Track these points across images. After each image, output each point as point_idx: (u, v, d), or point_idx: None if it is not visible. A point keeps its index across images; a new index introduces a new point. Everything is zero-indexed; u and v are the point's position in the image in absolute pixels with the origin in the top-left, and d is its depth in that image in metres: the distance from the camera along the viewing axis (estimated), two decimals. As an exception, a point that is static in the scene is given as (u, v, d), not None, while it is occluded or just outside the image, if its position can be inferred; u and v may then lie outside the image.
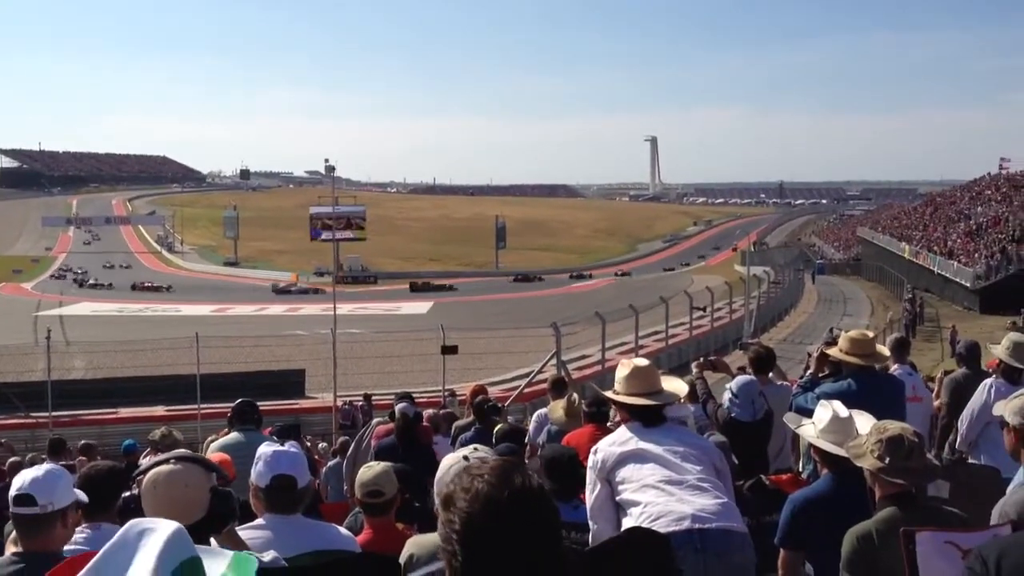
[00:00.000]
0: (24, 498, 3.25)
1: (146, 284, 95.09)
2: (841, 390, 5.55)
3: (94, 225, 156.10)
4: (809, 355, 6.78)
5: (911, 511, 3.34)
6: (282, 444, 3.78)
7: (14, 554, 3.34)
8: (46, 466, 3.44)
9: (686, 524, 3.65)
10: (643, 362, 4.38)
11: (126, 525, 1.70)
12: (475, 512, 1.75)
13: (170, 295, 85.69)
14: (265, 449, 3.60)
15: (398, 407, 8.17)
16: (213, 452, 6.36)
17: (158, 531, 1.68)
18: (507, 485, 1.77)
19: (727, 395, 5.64)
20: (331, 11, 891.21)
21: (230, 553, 1.88)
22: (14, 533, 3.50)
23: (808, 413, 4.59)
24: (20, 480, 3.30)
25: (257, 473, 3.49)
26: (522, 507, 1.76)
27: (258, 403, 7.65)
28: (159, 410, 23.39)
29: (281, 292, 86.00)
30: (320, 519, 4.07)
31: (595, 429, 6.15)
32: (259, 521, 3.46)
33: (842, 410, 4.08)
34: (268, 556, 2.64)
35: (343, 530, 3.75)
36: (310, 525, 3.60)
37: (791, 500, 4.07)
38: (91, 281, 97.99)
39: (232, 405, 7.50)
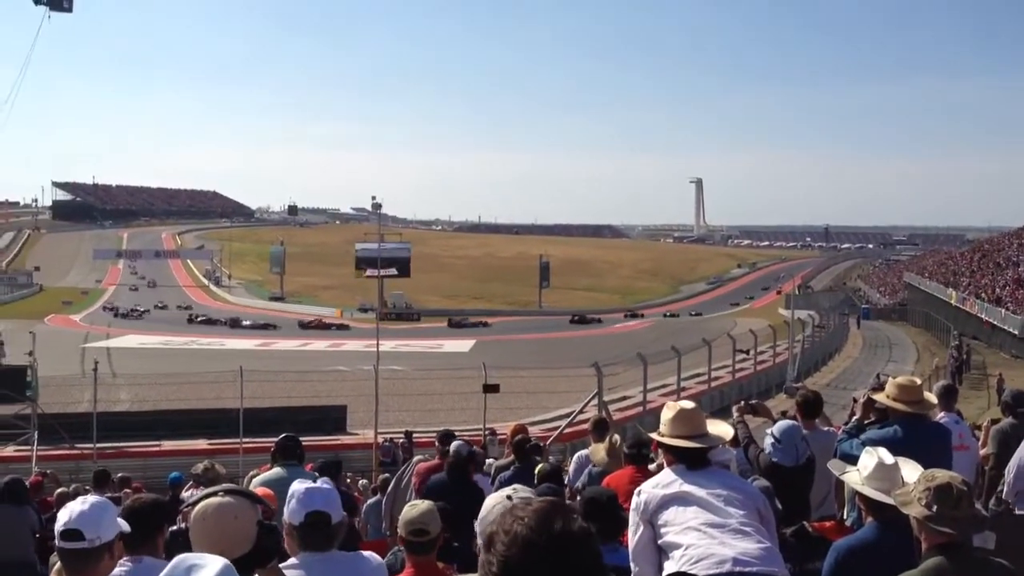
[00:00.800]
0: (72, 533, 3.25)
1: (314, 322, 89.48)
2: (887, 437, 5.47)
3: (144, 259, 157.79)
4: (855, 401, 6.70)
5: (958, 561, 3.29)
6: (314, 480, 3.79)
7: None
8: (91, 498, 3.42)
9: (727, 567, 3.62)
10: (689, 405, 4.37)
11: (175, 560, 1.73)
12: (512, 555, 1.74)
13: (342, 333, 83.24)
14: (298, 486, 3.61)
15: (453, 445, 8.13)
16: (256, 487, 6.37)
17: (207, 567, 1.71)
18: (545, 529, 1.75)
19: (769, 439, 5.59)
20: (379, 47, 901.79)
21: None
22: (59, 564, 3.52)
23: (853, 459, 4.54)
24: (67, 515, 3.29)
25: (290, 511, 3.49)
26: (560, 552, 1.74)
27: (299, 438, 7.66)
28: (202, 443, 23.58)
29: (456, 326, 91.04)
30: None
31: (635, 471, 6.13)
32: (292, 560, 3.43)
33: (888, 457, 4.04)
34: None
35: (374, 558, 3.74)
36: (344, 560, 3.61)
37: (835, 548, 4.02)
38: (247, 323, 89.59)
39: (275, 440, 7.52)
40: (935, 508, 3.32)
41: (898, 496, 3.55)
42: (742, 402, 7.20)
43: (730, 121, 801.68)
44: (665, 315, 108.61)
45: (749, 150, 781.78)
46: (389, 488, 9.62)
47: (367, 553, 3.79)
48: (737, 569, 3.62)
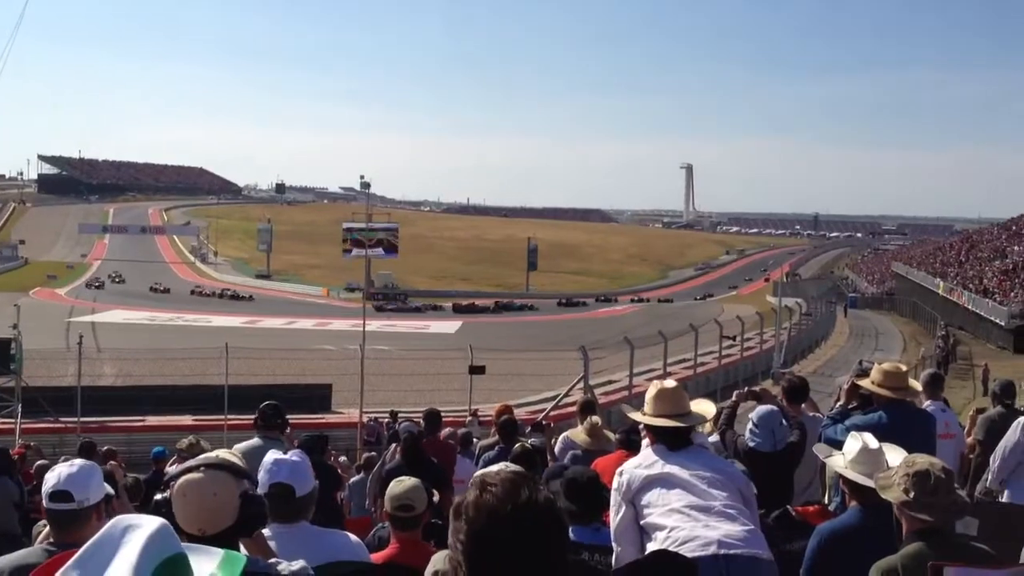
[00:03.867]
0: (61, 494, 3.32)
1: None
2: (871, 422, 5.47)
3: (129, 234, 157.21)
4: (840, 388, 6.69)
5: (938, 546, 3.28)
6: (285, 452, 3.80)
7: (48, 543, 3.42)
8: (78, 461, 3.49)
9: (712, 549, 3.62)
10: (671, 383, 4.36)
11: (111, 522, 1.72)
12: (480, 523, 1.79)
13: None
14: (268, 457, 3.64)
15: (401, 427, 8.17)
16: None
17: (142, 527, 1.69)
18: (512, 498, 1.80)
19: (748, 425, 5.58)
20: (369, 28, 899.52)
21: (220, 551, 1.90)
22: (44, 532, 3.56)
23: (838, 444, 4.55)
24: (55, 477, 3.36)
25: (259, 482, 3.51)
26: (526, 521, 1.79)
27: (280, 406, 7.67)
28: (186, 419, 23.51)
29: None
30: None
31: (625, 455, 6.11)
32: (264, 531, 3.44)
33: (872, 442, 4.04)
34: (297, 565, 2.64)
35: (351, 537, 3.74)
36: (315, 533, 3.61)
37: (818, 531, 4.04)
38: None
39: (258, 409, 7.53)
40: (912, 494, 3.32)
41: (879, 480, 3.54)
42: (745, 388, 7.13)
43: (722, 108, 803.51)
44: (696, 299, 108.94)
45: (740, 137, 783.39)
46: (375, 468, 9.63)
47: (343, 532, 3.78)
48: (722, 551, 3.62)
